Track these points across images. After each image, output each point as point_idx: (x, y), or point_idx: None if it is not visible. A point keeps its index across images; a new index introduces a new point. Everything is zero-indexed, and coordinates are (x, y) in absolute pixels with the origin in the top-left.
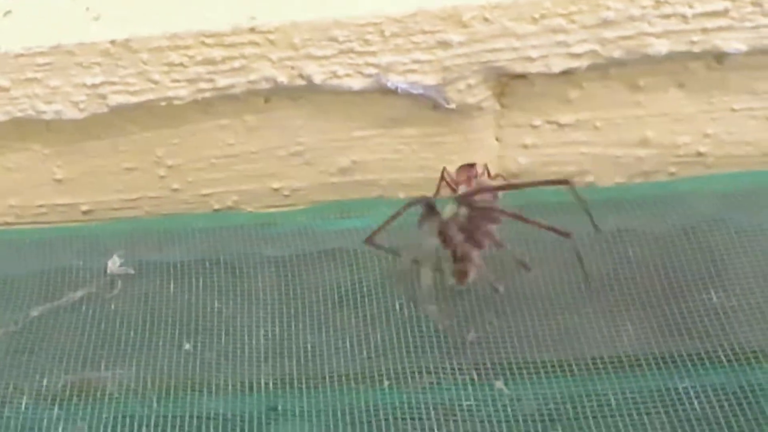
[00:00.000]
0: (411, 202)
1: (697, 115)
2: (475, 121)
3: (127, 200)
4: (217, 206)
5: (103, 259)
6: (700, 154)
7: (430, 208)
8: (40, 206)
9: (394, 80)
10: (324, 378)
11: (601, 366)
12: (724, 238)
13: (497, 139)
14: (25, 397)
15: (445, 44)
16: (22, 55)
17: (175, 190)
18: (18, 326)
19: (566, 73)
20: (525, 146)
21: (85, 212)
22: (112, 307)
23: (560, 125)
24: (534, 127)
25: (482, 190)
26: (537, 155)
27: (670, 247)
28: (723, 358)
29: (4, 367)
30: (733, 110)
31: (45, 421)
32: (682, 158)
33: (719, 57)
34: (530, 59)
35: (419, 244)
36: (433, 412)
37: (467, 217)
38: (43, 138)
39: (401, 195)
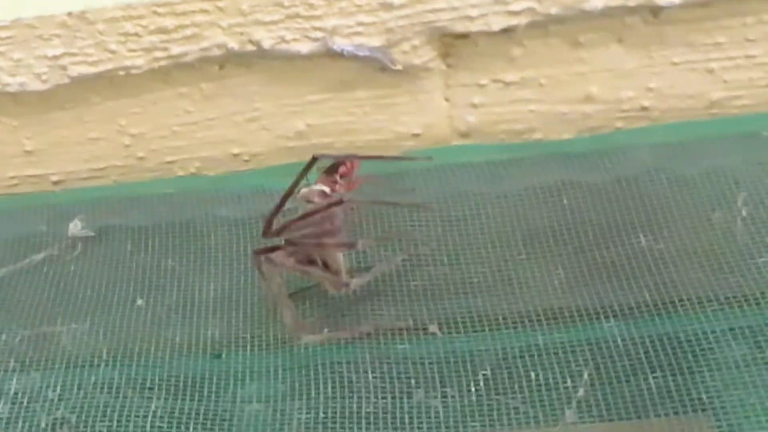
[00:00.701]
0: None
1: (638, 69)
2: (423, 81)
3: (95, 170)
4: (180, 173)
5: (66, 224)
6: (644, 108)
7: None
8: (12, 177)
9: (340, 43)
10: (267, 330)
11: (532, 310)
12: (656, 187)
13: (446, 99)
14: None
15: (387, 6)
16: None
17: (140, 158)
18: None
19: (507, 31)
20: (474, 105)
21: (55, 183)
22: (72, 268)
23: (506, 84)
24: (481, 86)
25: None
26: (486, 114)
27: (604, 197)
28: (648, 299)
29: None
30: (674, 64)
31: (0, 372)
32: (627, 113)
33: (654, 11)
34: (470, 18)
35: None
36: (368, 357)
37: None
38: (11, 110)
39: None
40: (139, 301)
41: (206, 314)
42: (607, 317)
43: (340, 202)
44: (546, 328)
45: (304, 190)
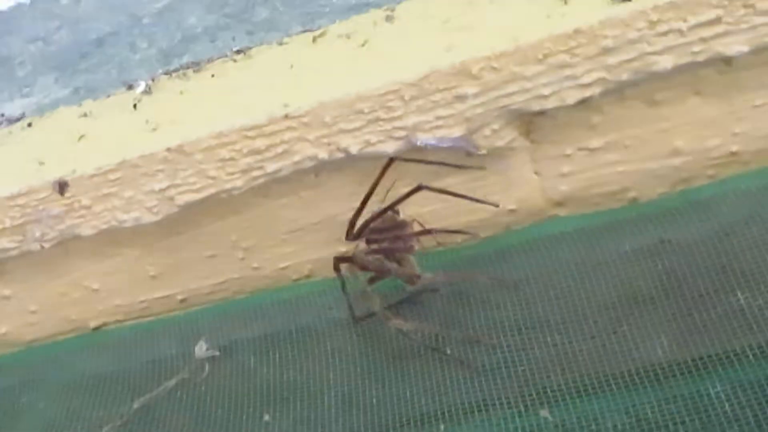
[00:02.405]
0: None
1: (720, 117)
2: (510, 160)
3: (216, 284)
4: (294, 277)
5: (193, 346)
6: (733, 153)
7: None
8: (142, 301)
9: (422, 139)
10: (388, 428)
11: (639, 383)
12: (752, 239)
13: (536, 173)
14: None
15: (461, 97)
16: (95, 174)
17: (255, 268)
18: (123, 419)
19: (583, 102)
20: (563, 175)
21: (181, 300)
22: (203, 389)
23: (591, 150)
24: (567, 156)
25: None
26: (577, 181)
27: (697, 256)
28: (751, 356)
29: None
30: (755, 107)
31: None
32: (716, 160)
33: (726, 61)
34: (544, 97)
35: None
36: None
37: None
38: (131, 242)
39: (458, 239)
40: (266, 417)
41: (329, 423)
42: (713, 384)
43: (418, 189)
44: (654, 400)
45: None
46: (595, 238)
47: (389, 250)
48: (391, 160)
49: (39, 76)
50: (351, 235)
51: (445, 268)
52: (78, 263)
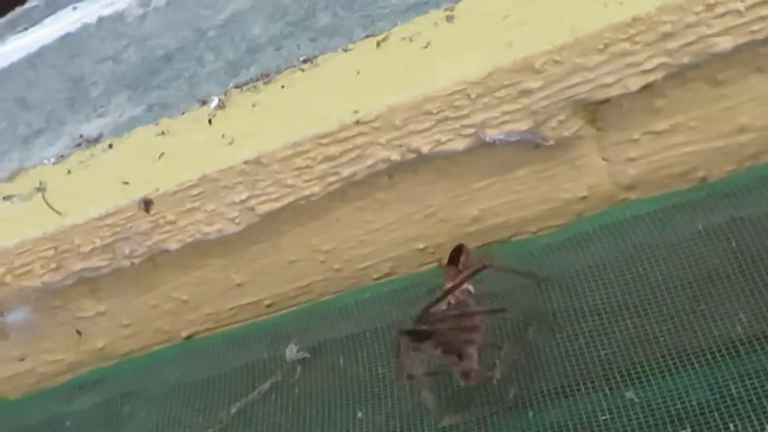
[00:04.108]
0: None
1: None
2: (578, 149)
3: (299, 287)
4: (375, 276)
5: (283, 349)
6: None
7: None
8: (231, 309)
9: (491, 134)
10: (479, 419)
11: (720, 360)
12: None
13: (604, 159)
14: None
15: (526, 92)
16: (178, 191)
17: (337, 270)
18: (223, 424)
19: (646, 87)
20: (632, 159)
21: (268, 305)
22: (296, 390)
23: (657, 133)
24: (634, 140)
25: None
26: (645, 164)
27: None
28: None
29: None
30: None
31: None
32: None
33: None
34: (607, 85)
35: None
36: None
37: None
38: (216, 253)
39: (533, 229)
40: (359, 414)
41: (422, 417)
42: None
43: (482, 268)
44: (737, 375)
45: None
46: (668, 219)
47: (449, 345)
48: (483, 267)
49: (112, 96)
50: (425, 321)
51: (522, 257)
52: (166, 276)
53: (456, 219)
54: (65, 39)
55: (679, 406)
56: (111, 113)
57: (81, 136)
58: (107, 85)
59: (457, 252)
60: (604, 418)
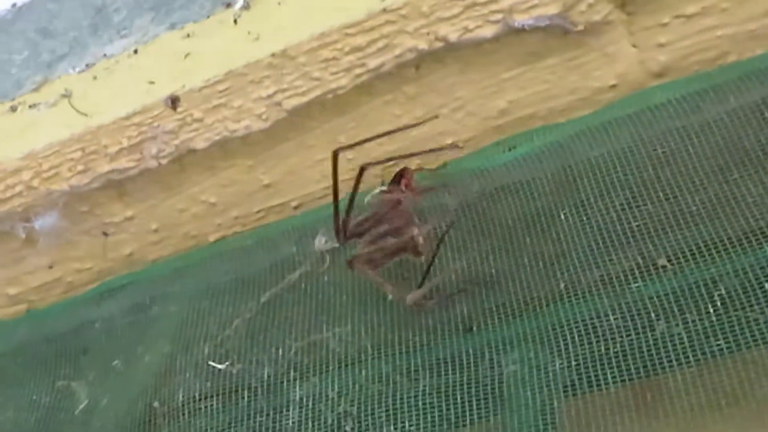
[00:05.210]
0: None
1: None
2: (607, 35)
3: (327, 187)
4: None
5: (312, 241)
6: None
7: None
8: (258, 211)
9: (519, 20)
10: (512, 299)
11: (756, 227)
12: None
13: (634, 46)
14: (266, 368)
15: None
16: (204, 87)
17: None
18: (252, 312)
19: None
20: (661, 45)
21: (295, 207)
22: (326, 278)
23: (688, 17)
24: (664, 25)
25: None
26: (675, 50)
27: None
28: None
29: (246, 347)
30: None
31: (284, 384)
32: None
33: None
34: None
35: None
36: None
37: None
38: (243, 152)
39: (561, 120)
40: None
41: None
42: None
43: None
44: None
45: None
46: (700, 100)
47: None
48: (362, 170)
49: (135, 19)
50: (342, 238)
51: (550, 144)
52: (194, 178)
53: (484, 111)
54: None
55: (713, 270)
56: (134, 33)
57: (104, 55)
58: (129, 10)
59: (400, 175)
60: (636, 285)
